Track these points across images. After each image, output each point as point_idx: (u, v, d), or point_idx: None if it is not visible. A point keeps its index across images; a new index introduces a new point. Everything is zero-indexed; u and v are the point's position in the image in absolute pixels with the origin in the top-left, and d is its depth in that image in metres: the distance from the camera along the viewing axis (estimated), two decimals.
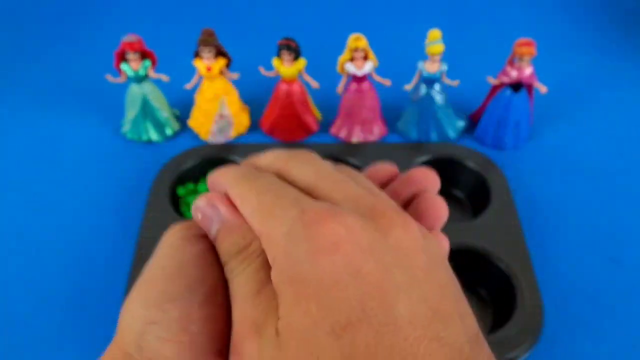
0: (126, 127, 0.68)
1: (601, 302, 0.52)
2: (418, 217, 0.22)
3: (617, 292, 0.52)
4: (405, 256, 0.18)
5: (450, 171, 0.61)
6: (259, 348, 0.17)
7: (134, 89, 0.65)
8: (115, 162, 0.66)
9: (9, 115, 0.72)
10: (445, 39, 0.61)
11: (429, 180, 0.22)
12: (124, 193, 0.62)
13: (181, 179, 0.61)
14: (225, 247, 0.21)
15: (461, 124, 0.68)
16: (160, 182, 0.59)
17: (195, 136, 0.67)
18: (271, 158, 0.22)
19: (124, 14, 0.89)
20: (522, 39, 0.62)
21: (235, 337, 0.19)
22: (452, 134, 0.67)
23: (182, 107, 0.70)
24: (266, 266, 0.19)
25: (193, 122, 0.67)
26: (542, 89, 0.64)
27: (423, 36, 0.61)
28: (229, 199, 0.21)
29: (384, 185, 0.24)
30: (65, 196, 0.62)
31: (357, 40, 0.60)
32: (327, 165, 0.21)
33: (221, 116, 0.65)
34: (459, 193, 0.62)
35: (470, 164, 0.61)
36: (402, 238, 0.18)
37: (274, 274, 0.18)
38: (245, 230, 0.20)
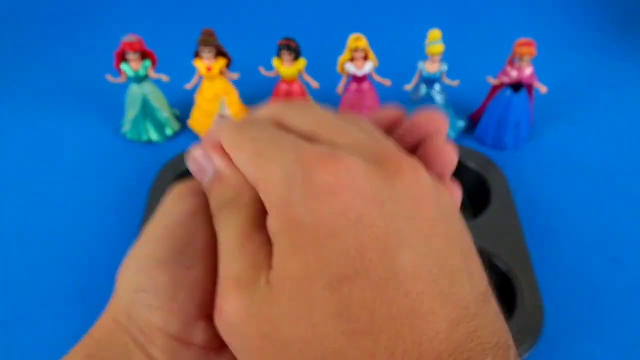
0: (126, 127, 0.68)
1: (601, 302, 0.52)
2: (425, 165, 0.19)
3: (617, 292, 0.52)
4: (412, 206, 0.16)
5: None
6: (243, 302, 0.16)
7: (134, 89, 0.65)
8: (116, 162, 0.65)
9: (9, 115, 0.72)
10: (445, 39, 0.61)
11: (435, 123, 0.20)
12: (124, 193, 0.62)
13: (181, 179, 0.61)
14: (214, 198, 0.20)
15: (461, 124, 0.68)
16: (161, 182, 0.59)
17: (196, 136, 0.67)
18: (268, 110, 0.21)
19: (124, 14, 0.89)
20: (522, 39, 0.62)
21: (218, 293, 0.17)
22: (452, 134, 0.67)
23: (182, 107, 0.70)
24: (258, 218, 0.18)
25: (193, 122, 0.67)
26: (542, 89, 0.64)
27: (423, 36, 0.61)
28: (223, 150, 0.20)
29: (388, 132, 0.22)
30: (65, 196, 0.62)
31: (357, 40, 0.60)
32: (327, 112, 0.20)
33: (221, 116, 0.65)
34: None
35: (470, 164, 0.61)
36: (410, 185, 0.17)
37: (269, 221, 0.17)
38: (236, 179, 0.19)
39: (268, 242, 0.17)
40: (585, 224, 0.58)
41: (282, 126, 0.19)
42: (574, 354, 0.48)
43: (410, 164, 0.17)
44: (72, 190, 0.62)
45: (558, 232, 0.57)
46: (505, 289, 0.50)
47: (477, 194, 0.59)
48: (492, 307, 0.17)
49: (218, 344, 0.19)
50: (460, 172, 0.61)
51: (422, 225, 0.16)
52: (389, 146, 0.18)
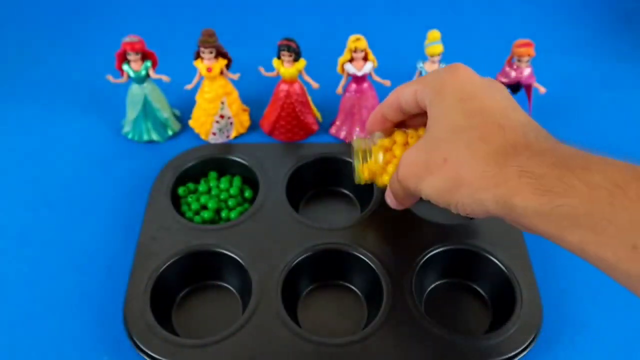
0: (127, 128, 0.68)
1: (600, 300, 0.52)
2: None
3: (616, 291, 0.52)
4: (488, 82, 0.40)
5: None
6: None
7: (135, 90, 0.65)
8: (116, 163, 0.66)
9: (9, 116, 0.73)
10: (445, 40, 0.61)
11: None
12: (124, 193, 0.62)
13: (181, 179, 0.61)
14: None
15: None
16: (161, 182, 0.60)
17: (196, 136, 0.68)
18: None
19: (124, 14, 0.90)
20: (521, 40, 0.62)
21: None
22: None
23: (183, 108, 0.71)
24: None
25: (193, 123, 0.67)
26: (541, 89, 0.64)
27: (423, 36, 0.61)
28: None
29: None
30: (65, 197, 0.62)
31: (357, 41, 0.60)
32: None
33: (222, 116, 0.65)
34: None
35: None
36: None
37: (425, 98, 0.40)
38: None
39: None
40: None
41: None
42: (573, 353, 0.49)
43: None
44: (73, 191, 0.63)
45: None
46: (505, 288, 0.50)
47: None
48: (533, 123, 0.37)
49: None
50: None
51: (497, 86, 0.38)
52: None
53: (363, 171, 0.48)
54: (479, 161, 0.33)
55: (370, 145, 0.48)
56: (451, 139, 0.35)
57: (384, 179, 0.47)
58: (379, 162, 0.47)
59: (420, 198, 0.41)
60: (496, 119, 0.34)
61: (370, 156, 0.47)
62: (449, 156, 0.35)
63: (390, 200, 0.47)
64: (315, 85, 0.64)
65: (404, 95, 0.42)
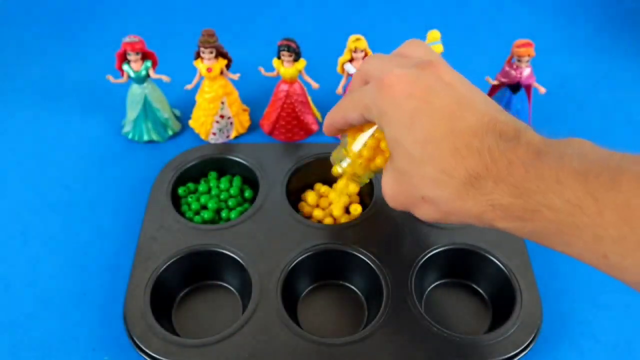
0: (127, 128, 0.68)
1: (600, 300, 0.52)
2: None
3: (616, 291, 0.53)
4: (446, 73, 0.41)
5: None
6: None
7: (136, 90, 0.65)
8: (116, 163, 0.66)
9: (10, 116, 0.73)
10: (445, 40, 0.61)
11: None
12: (125, 193, 0.62)
13: (181, 179, 0.61)
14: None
15: None
16: (161, 182, 0.60)
17: (196, 136, 0.68)
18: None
19: (125, 14, 0.90)
20: (521, 40, 0.62)
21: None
22: None
23: (183, 108, 0.71)
24: None
25: (194, 123, 0.67)
26: (541, 89, 0.64)
27: (422, 37, 0.61)
28: None
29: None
30: (66, 197, 0.62)
31: (357, 41, 0.60)
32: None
33: (222, 116, 0.65)
34: None
35: None
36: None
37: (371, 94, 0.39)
38: None
39: None
40: None
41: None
42: (573, 352, 0.49)
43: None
44: (73, 191, 0.63)
45: None
46: (504, 288, 0.50)
47: None
48: (504, 114, 0.36)
49: None
50: None
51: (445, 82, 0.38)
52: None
53: (355, 175, 0.47)
54: (452, 198, 0.34)
55: (344, 154, 0.46)
56: (417, 174, 0.35)
57: (377, 162, 0.44)
58: (356, 167, 0.45)
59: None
60: (449, 142, 0.33)
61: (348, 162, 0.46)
62: (424, 194, 0.36)
63: None
64: (315, 85, 0.64)
65: (352, 120, 0.40)
